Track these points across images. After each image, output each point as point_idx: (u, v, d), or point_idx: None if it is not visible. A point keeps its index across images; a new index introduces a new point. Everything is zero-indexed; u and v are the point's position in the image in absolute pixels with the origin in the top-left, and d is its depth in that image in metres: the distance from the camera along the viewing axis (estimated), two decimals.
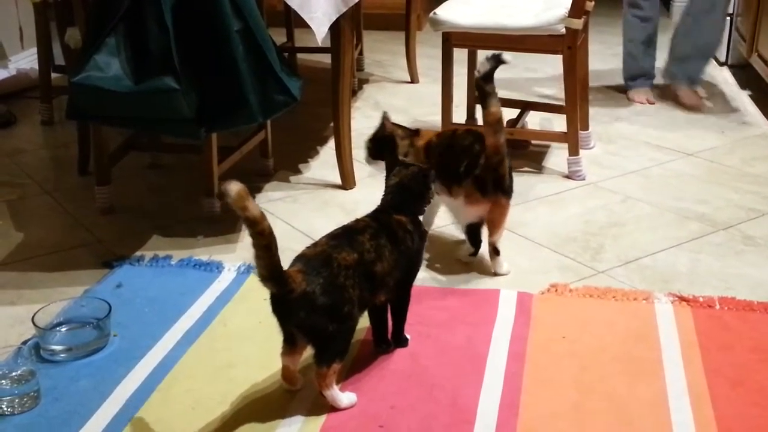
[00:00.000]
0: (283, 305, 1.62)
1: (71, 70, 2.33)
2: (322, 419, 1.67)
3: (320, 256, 1.67)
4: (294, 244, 2.41)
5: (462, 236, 2.34)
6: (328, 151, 3.18)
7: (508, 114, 3.25)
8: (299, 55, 4.06)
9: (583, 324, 2.01)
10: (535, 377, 1.81)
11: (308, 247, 1.73)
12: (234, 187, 1.48)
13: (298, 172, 3.02)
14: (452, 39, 2.92)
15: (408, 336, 1.91)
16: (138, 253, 2.33)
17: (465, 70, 3.21)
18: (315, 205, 2.74)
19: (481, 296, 2.13)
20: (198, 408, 1.70)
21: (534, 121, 3.38)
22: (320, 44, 2.74)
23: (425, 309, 2.02)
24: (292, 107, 2.54)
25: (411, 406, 1.72)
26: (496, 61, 2.20)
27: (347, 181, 2.88)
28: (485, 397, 1.75)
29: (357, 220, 1.81)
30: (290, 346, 1.70)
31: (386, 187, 1.89)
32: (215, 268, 2.27)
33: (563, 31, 2.80)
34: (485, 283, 2.21)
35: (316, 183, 2.92)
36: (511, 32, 2.85)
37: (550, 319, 2.04)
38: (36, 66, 3.53)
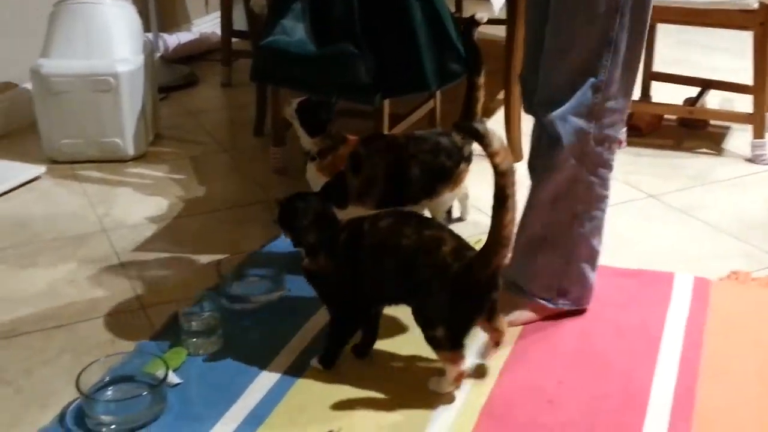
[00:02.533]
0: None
1: (259, 34, 2.42)
2: (488, 388, 1.68)
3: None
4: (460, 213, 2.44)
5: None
6: (494, 124, 3.15)
7: (687, 92, 3.13)
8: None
9: (766, 315, 1.91)
10: (713, 366, 1.74)
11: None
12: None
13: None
14: None
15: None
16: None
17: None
18: (481, 177, 2.71)
19: (654, 278, 2.06)
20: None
21: (713, 100, 3.22)
22: (496, 14, 2.71)
23: (596, 288, 1.98)
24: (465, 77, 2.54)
25: (581, 383, 1.69)
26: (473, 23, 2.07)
27: (515, 154, 2.84)
28: (659, 381, 1.69)
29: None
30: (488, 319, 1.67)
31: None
32: None
33: (756, 5, 2.64)
34: (658, 264, 2.13)
35: (483, 154, 2.89)
36: (697, 5, 2.71)
37: (730, 307, 1.94)
38: (217, 30, 3.69)
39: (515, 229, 1.56)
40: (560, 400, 1.64)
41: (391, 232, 1.62)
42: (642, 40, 1.74)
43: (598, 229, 1.83)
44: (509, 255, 1.64)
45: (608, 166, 1.79)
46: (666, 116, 3.10)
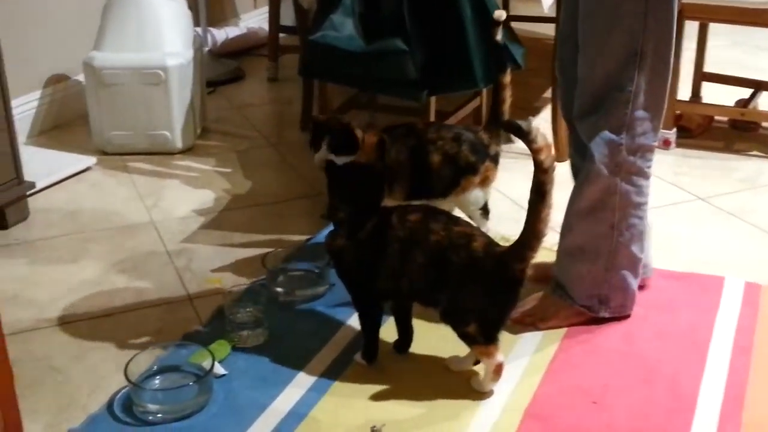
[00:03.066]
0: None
1: (308, 29, 2.43)
2: (532, 389, 1.67)
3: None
4: (504, 211, 2.43)
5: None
6: (539, 122, 3.12)
7: (739, 93, 3.07)
8: (513, 24, 4.01)
9: None
10: (762, 372, 1.71)
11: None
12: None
13: (508, 140, 2.99)
14: (685, 11, 2.77)
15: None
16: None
17: (693, 45, 3.04)
18: (525, 175, 2.69)
19: (703, 281, 2.03)
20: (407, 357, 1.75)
21: (765, 102, 3.15)
22: (546, 13, 2.69)
23: (643, 290, 1.95)
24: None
25: (627, 386, 1.67)
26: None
27: (560, 154, 2.82)
28: (707, 386, 1.67)
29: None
30: None
31: None
32: None
33: None
34: (707, 268, 2.10)
35: (527, 153, 2.87)
36: (750, 5, 2.66)
37: None
38: (264, 25, 3.72)
39: (549, 225, 1.56)
40: (605, 403, 1.63)
41: (419, 227, 1.62)
42: (670, 47, 1.71)
43: (638, 236, 1.80)
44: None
45: (644, 174, 1.77)
46: (717, 118, 3.05)
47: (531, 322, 1.85)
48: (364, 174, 1.72)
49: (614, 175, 1.74)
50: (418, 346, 1.78)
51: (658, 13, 1.66)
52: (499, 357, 1.62)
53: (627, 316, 1.86)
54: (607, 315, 1.84)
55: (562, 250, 1.86)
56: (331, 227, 1.73)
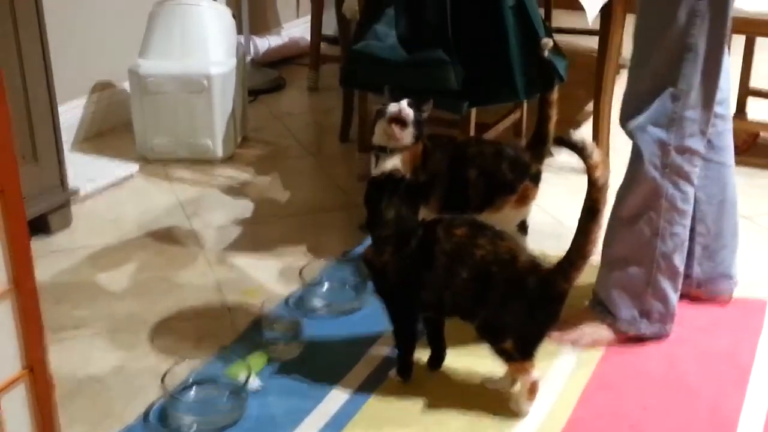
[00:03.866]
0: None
1: (350, 39, 2.44)
2: (568, 412, 1.65)
3: None
4: (544, 227, 2.41)
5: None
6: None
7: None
8: (555, 36, 3.98)
9: None
10: None
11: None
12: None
13: (549, 154, 2.97)
14: (732, 25, 2.72)
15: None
16: None
17: (740, 59, 2.99)
18: (565, 190, 2.68)
19: (744, 305, 1.99)
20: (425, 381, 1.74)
21: None
22: (590, 25, 2.67)
23: (683, 311, 1.92)
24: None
25: (666, 410, 1.65)
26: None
27: None
28: (748, 412, 1.64)
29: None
30: None
31: None
32: None
33: None
34: (750, 290, 2.06)
35: (568, 167, 2.86)
36: None
37: None
38: (306, 34, 3.73)
39: (597, 245, 1.55)
40: (643, 427, 1.61)
41: (466, 240, 1.61)
42: (722, 48, 1.69)
43: (680, 247, 1.78)
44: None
45: (689, 180, 1.75)
46: (762, 134, 2.99)
47: (569, 340, 1.83)
48: (407, 187, 1.70)
49: (662, 177, 1.72)
50: (452, 365, 1.77)
51: (713, 13, 1.64)
52: (535, 374, 1.61)
53: (666, 336, 1.83)
54: (647, 332, 1.81)
55: (604, 262, 1.84)
56: (368, 240, 1.73)
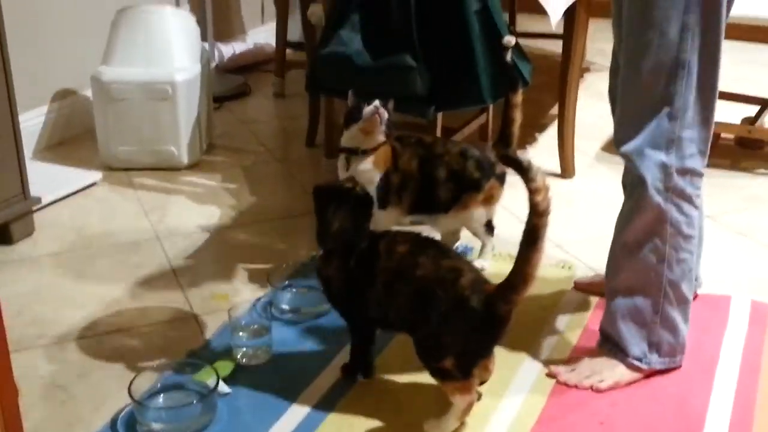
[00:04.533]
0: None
1: (315, 45, 2.43)
2: (539, 409, 1.66)
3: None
4: (511, 229, 2.41)
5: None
6: (546, 138, 3.13)
7: (745, 111, 3.06)
8: (519, 40, 4.02)
9: None
10: None
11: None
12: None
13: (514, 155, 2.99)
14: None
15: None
16: None
17: None
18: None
19: (710, 301, 2.02)
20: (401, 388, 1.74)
21: None
22: (554, 29, 2.69)
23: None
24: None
25: (634, 406, 1.66)
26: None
27: (567, 170, 2.82)
28: (715, 407, 1.66)
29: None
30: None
31: None
32: None
33: None
34: (714, 287, 2.09)
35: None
36: (761, 22, 2.66)
37: None
38: (271, 40, 3.73)
39: (539, 268, 1.48)
40: (613, 422, 1.62)
41: (407, 259, 1.58)
42: (716, 63, 1.61)
43: (687, 274, 1.70)
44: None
45: (693, 203, 1.67)
46: (723, 135, 3.04)
47: (589, 385, 1.72)
48: (354, 200, 1.66)
49: (666, 202, 1.64)
50: (422, 372, 1.76)
51: (705, 27, 1.57)
52: (474, 395, 1.56)
53: (678, 368, 1.75)
54: (658, 366, 1.73)
55: (609, 293, 1.76)
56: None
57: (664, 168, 1.64)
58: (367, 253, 1.62)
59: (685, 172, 1.65)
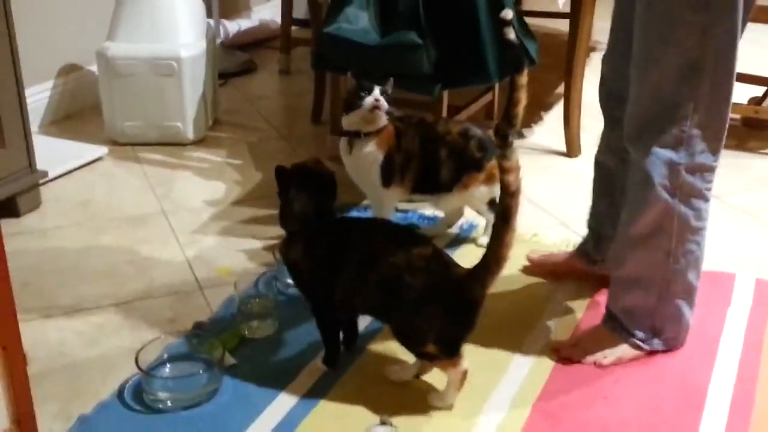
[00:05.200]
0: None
1: (321, 22, 2.43)
2: (541, 384, 1.67)
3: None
4: None
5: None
6: (552, 117, 3.13)
7: (752, 91, 3.06)
8: (526, 19, 4.00)
9: None
10: None
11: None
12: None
13: (520, 136, 3.00)
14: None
15: None
16: (366, 202, 2.42)
17: None
18: (537, 171, 2.71)
19: (714, 278, 2.02)
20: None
21: None
22: (561, 8, 2.69)
23: None
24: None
25: (637, 381, 1.67)
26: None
27: (572, 149, 2.82)
28: (717, 382, 1.67)
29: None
30: None
31: None
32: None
33: None
34: (719, 265, 2.09)
35: (539, 148, 2.89)
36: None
37: None
38: (277, 17, 3.72)
39: (512, 248, 1.48)
40: (616, 397, 1.63)
41: (378, 246, 1.56)
42: (733, 59, 1.55)
43: (694, 263, 1.68)
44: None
45: (703, 197, 1.64)
46: (731, 115, 3.03)
47: (593, 360, 1.73)
48: (317, 181, 1.63)
49: (673, 198, 1.61)
50: None
51: (721, 24, 1.50)
52: (464, 364, 1.55)
53: (681, 346, 1.76)
54: (660, 348, 1.74)
55: (615, 281, 1.76)
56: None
57: (673, 166, 1.60)
58: (334, 238, 1.60)
59: (694, 168, 1.62)
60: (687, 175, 1.61)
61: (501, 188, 1.46)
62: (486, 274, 1.50)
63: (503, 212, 1.46)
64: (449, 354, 1.54)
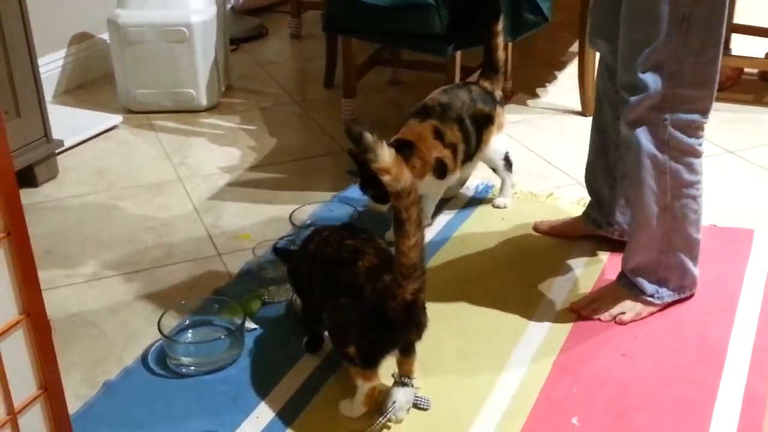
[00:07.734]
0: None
1: None
2: (560, 342, 1.68)
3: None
4: (532, 167, 2.42)
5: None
6: (566, 77, 3.10)
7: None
8: None
9: None
10: None
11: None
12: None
13: (535, 95, 2.98)
14: None
15: None
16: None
17: None
18: (552, 130, 2.70)
19: (733, 234, 2.02)
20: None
21: None
22: None
23: None
24: (541, 28, 2.50)
25: (656, 338, 1.68)
26: None
27: (587, 108, 2.79)
28: (737, 337, 1.67)
29: None
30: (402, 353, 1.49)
31: None
32: None
33: None
34: (737, 221, 2.09)
35: (554, 108, 2.87)
36: None
37: None
38: None
39: (421, 254, 1.34)
40: (634, 354, 1.64)
41: (323, 242, 1.55)
42: (721, 18, 1.54)
43: (691, 216, 1.70)
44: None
45: (694, 153, 1.64)
46: (746, 70, 3.00)
47: (610, 316, 1.74)
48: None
49: (663, 154, 1.62)
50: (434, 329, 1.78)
51: None
52: (375, 382, 1.47)
53: (691, 296, 1.78)
54: (669, 298, 1.75)
55: (627, 239, 1.80)
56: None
57: (659, 123, 1.61)
58: (306, 240, 1.65)
59: (684, 126, 1.62)
60: (674, 130, 1.62)
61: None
62: (396, 288, 1.36)
63: (395, 216, 1.31)
64: (365, 364, 1.45)
